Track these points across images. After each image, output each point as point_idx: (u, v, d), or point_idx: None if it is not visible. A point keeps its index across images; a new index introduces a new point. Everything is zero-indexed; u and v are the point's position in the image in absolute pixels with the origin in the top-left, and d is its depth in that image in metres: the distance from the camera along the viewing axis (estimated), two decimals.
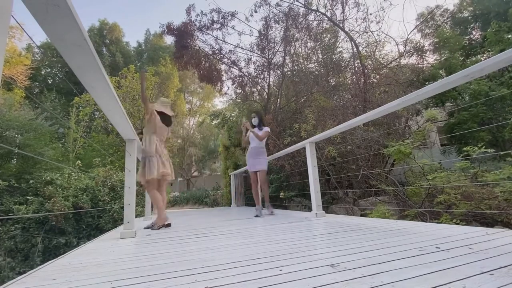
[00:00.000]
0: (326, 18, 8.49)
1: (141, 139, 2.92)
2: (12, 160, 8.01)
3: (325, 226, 2.28)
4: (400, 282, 0.83)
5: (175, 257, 1.39)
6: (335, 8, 8.26)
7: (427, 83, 7.43)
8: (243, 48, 9.17)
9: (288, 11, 8.58)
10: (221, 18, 8.84)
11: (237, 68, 9.40)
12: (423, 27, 8.57)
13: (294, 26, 8.67)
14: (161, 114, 2.94)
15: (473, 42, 9.50)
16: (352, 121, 2.61)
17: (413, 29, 8.30)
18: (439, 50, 8.25)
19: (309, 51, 9.03)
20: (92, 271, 1.23)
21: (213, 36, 9.09)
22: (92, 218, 5.85)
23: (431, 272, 0.89)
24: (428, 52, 8.35)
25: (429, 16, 8.60)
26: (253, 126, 3.87)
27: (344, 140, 6.10)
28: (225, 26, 8.92)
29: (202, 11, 8.81)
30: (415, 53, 7.92)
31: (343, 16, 8.16)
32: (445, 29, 8.93)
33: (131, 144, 2.57)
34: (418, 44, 8.10)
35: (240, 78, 9.49)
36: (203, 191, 12.95)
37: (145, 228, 2.81)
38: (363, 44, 8.29)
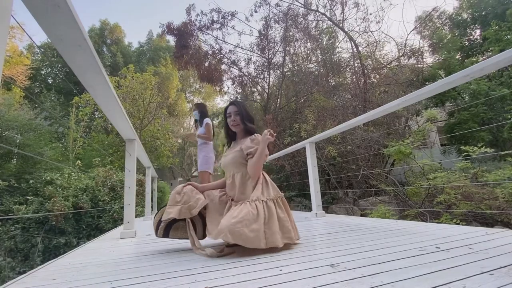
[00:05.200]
0: (326, 18, 8.49)
1: None
2: (12, 160, 8.01)
3: (325, 226, 2.28)
4: (400, 282, 0.83)
5: (175, 257, 1.39)
6: (334, 8, 8.27)
7: (426, 83, 7.43)
8: (243, 48, 9.18)
9: (288, 11, 8.58)
10: (221, 18, 8.85)
11: (237, 68, 9.41)
12: (421, 29, 8.58)
13: (294, 26, 8.68)
14: None
15: (472, 43, 9.51)
16: (352, 121, 2.61)
17: (412, 30, 8.32)
18: (438, 51, 8.26)
19: (308, 51, 9.03)
20: (92, 271, 1.23)
21: (213, 36, 9.10)
22: (92, 218, 5.85)
23: (431, 272, 0.89)
24: (427, 53, 8.37)
25: (426, 19, 8.61)
26: (196, 121, 3.58)
27: (344, 140, 6.11)
28: (225, 26, 8.93)
29: (202, 11, 8.83)
30: (414, 54, 7.93)
31: (343, 16, 8.17)
32: (443, 31, 8.95)
33: (131, 144, 2.57)
34: (418, 45, 8.11)
35: (240, 78, 9.50)
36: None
37: None
38: (363, 44, 8.30)
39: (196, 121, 3.57)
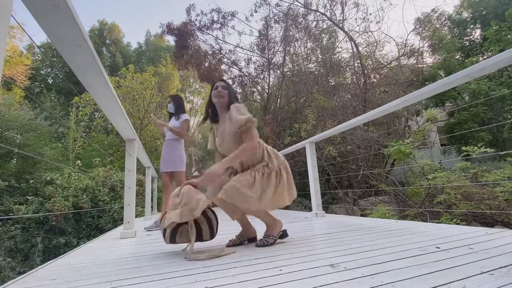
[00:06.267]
0: (326, 18, 8.49)
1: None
2: (12, 160, 8.01)
3: (325, 226, 2.28)
4: (400, 282, 0.83)
5: (175, 257, 1.39)
6: (334, 8, 8.27)
7: (426, 83, 7.43)
8: (243, 48, 9.18)
9: (288, 11, 8.58)
10: (221, 18, 8.85)
11: (237, 68, 9.41)
12: (421, 30, 8.58)
13: (294, 26, 8.68)
14: None
15: (472, 42, 9.52)
16: (352, 121, 2.61)
17: (412, 30, 8.32)
18: (437, 51, 8.27)
19: (309, 51, 9.03)
20: (92, 271, 1.23)
21: (213, 36, 9.10)
22: (92, 218, 5.85)
23: (431, 272, 0.89)
24: (427, 53, 8.37)
25: (425, 20, 8.62)
26: (170, 114, 3.13)
27: (344, 140, 6.11)
28: (225, 26, 8.92)
29: (202, 11, 8.83)
30: (414, 54, 7.93)
31: (343, 16, 8.17)
32: (443, 31, 8.95)
33: (131, 144, 2.57)
34: (418, 45, 8.11)
35: (240, 78, 9.49)
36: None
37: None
38: (363, 44, 8.31)
39: (170, 114, 3.14)
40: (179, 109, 3.07)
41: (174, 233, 1.48)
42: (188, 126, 3.04)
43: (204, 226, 1.53)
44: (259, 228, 1.72)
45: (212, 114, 1.71)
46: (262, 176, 1.46)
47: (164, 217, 1.48)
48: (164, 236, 1.49)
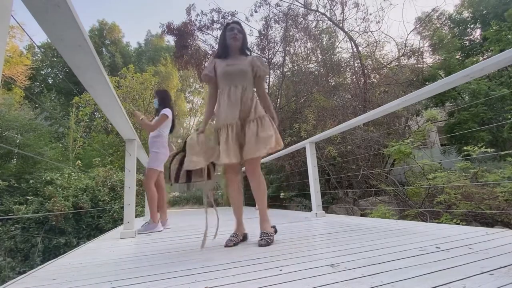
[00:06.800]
0: (326, 18, 8.49)
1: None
2: (12, 160, 8.01)
3: (325, 226, 2.28)
4: (400, 282, 0.83)
5: (175, 257, 1.39)
6: (334, 8, 8.27)
7: (426, 83, 7.43)
8: None
9: (288, 11, 8.58)
10: (221, 18, 8.83)
11: None
12: (421, 30, 8.57)
13: (294, 26, 8.67)
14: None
15: (472, 42, 9.52)
16: (352, 121, 2.61)
17: (412, 30, 8.32)
18: (437, 51, 8.27)
19: (309, 51, 9.02)
20: (92, 271, 1.23)
21: (213, 36, 9.09)
22: (92, 218, 5.85)
23: (431, 272, 0.89)
24: (427, 53, 8.36)
25: (426, 19, 8.62)
26: (156, 110, 3.03)
27: (344, 140, 6.10)
28: None
29: (202, 11, 8.82)
30: (414, 54, 7.93)
31: (343, 16, 8.17)
32: (443, 31, 8.96)
33: (131, 144, 2.57)
34: (418, 45, 8.11)
35: None
36: (203, 191, 12.87)
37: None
38: (363, 44, 8.30)
39: (156, 110, 3.03)
40: (162, 104, 2.95)
41: (189, 173, 1.71)
42: (162, 119, 2.82)
43: (212, 169, 1.79)
44: (250, 229, 1.72)
45: (222, 51, 1.80)
46: (269, 119, 1.65)
47: (177, 159, 1.71)
48: (174, 174, 1.69)
